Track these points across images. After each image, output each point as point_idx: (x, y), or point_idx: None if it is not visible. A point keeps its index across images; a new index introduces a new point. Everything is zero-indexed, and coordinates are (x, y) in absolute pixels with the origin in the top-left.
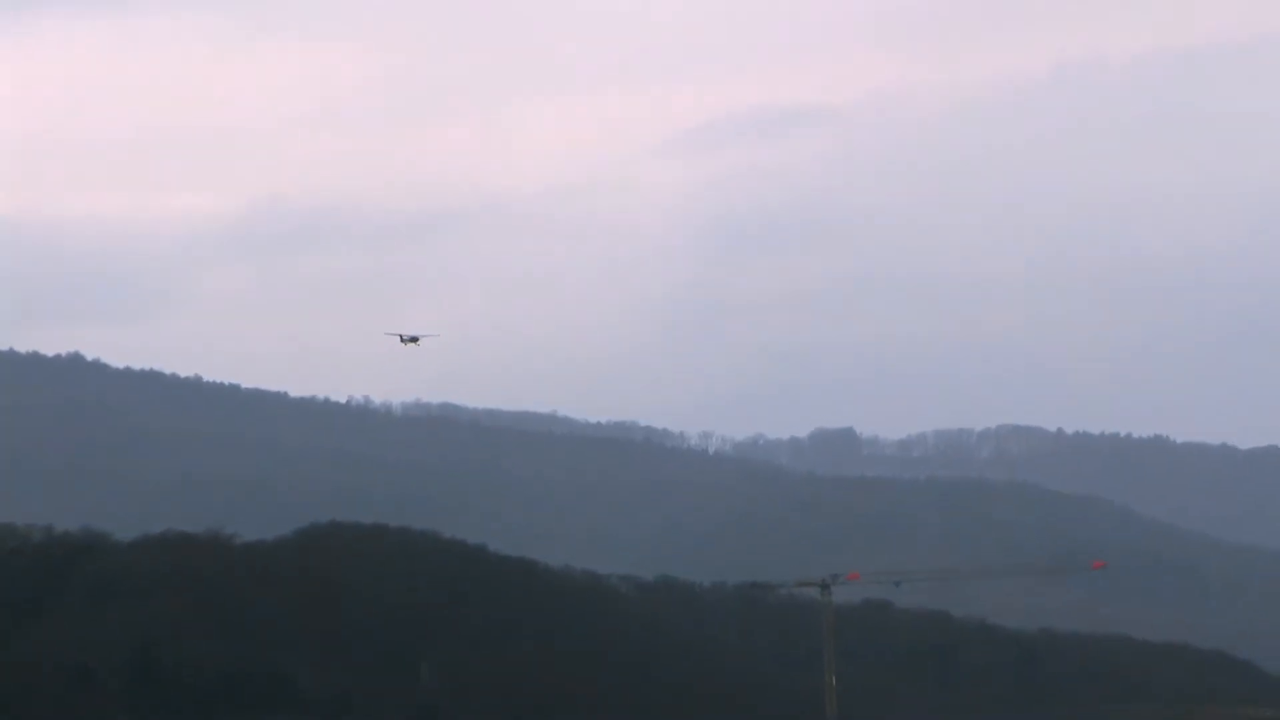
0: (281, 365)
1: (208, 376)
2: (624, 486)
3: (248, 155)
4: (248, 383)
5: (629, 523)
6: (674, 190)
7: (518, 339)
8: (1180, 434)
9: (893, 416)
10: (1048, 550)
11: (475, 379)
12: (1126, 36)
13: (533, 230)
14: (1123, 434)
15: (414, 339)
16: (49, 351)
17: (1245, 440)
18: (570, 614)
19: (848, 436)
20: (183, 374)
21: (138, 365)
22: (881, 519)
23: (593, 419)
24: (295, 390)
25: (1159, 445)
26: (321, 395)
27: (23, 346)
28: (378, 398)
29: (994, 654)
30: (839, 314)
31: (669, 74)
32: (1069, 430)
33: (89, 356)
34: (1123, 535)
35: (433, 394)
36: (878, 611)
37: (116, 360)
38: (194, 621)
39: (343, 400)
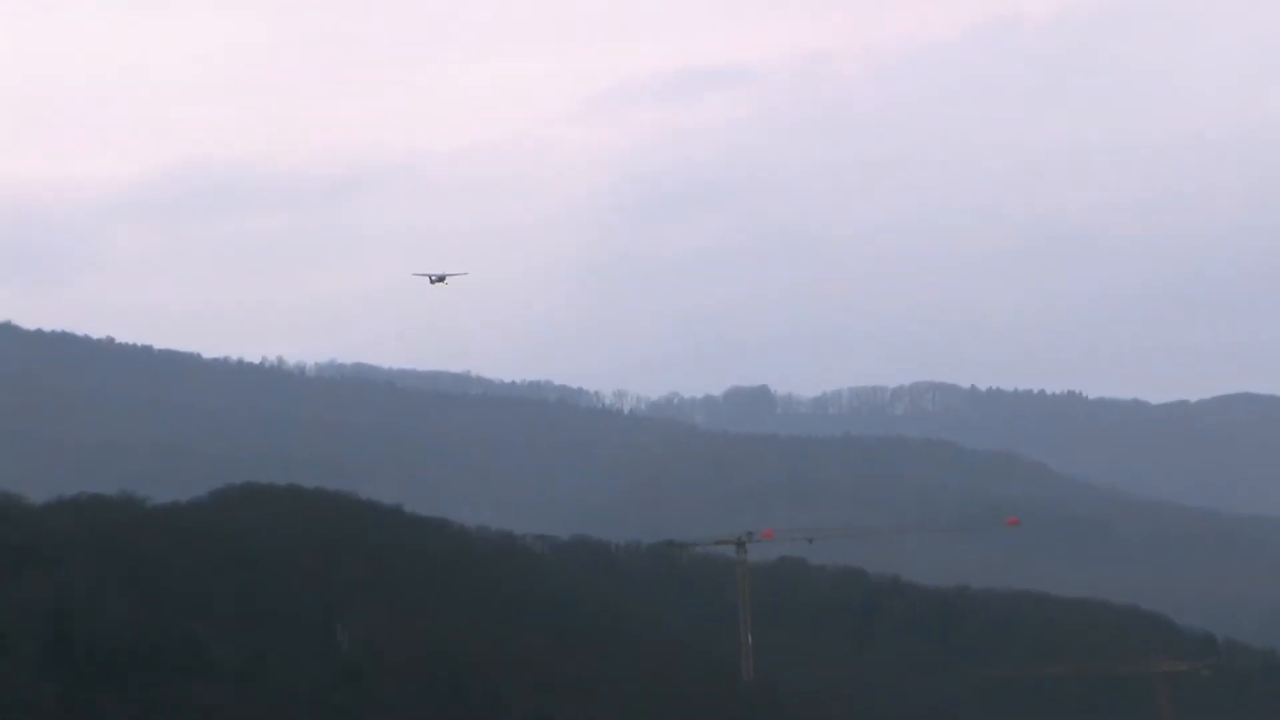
0: (195, 326)
1: (120, 338)
2: (539, 446)
3: (160, 117)
4: (160, 344)
5: (544, 482)
6: (590, 151)
7: (432, 299)
8: (1093, 390)
9: (807, 374)
10: (962, 507)
11: (390, 339)
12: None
13: (448, 191)
14: (1036, 390)
15: (441, 278)
16: None
17: (1157, 395)
18: (486, 574)
19: (762, 394)
20: (95, 335)
21: (49, 327)
22: (797, 477)
23: (508, 379)
24: (208, 351)
25: (1072, 401)
26: (235, 356)
27: None
28: (291, 358)
29: (910, 611)
30: (754, 273)
31: (586, 36)
32: (983, 387)
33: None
34: (1036, 491)
35: (347, 354)
36: (793, 569)
37: (28, 323)
38: (107, 585)
39: (256, 361)
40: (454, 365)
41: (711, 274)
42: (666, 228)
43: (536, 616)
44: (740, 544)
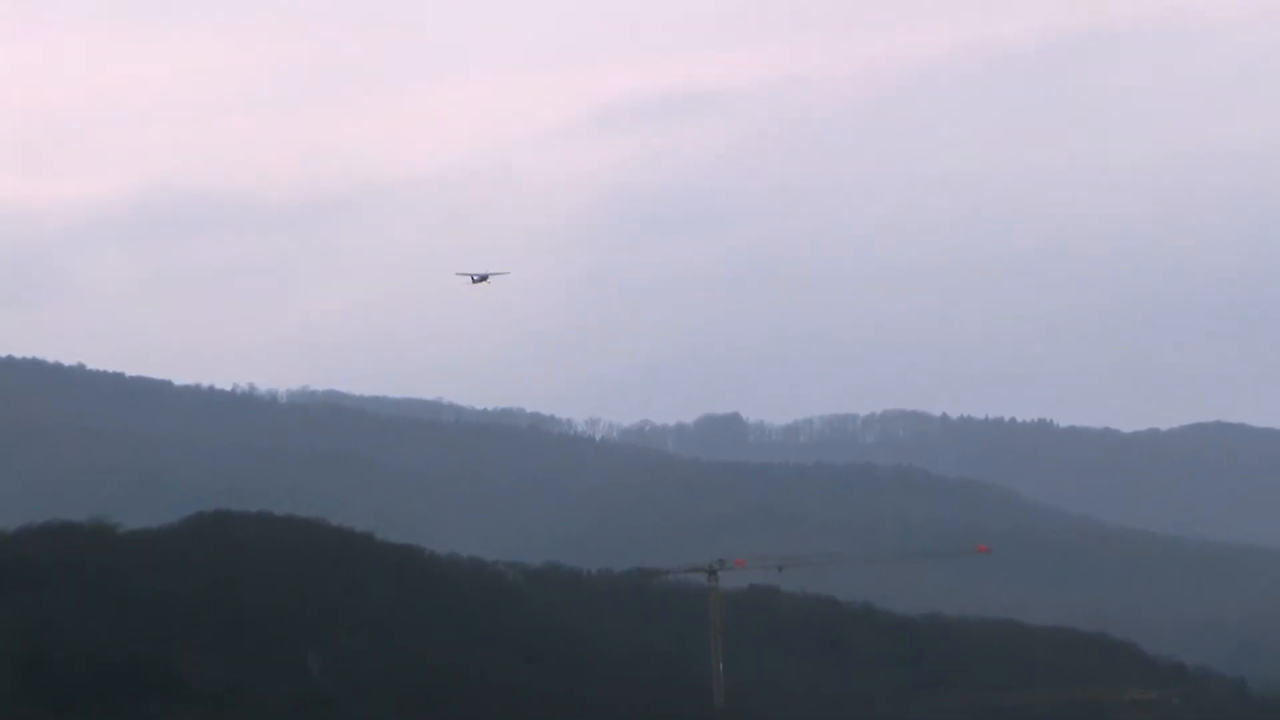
0: (166, 353)
1: (91, 365)
2: (511, 473)
3: (132, 141)
4: (132, 371)
5: (516, 510)
6: (564, 175)
7: (405, 325)
8: (1064, 418)
9: (779, 402)
10: (934, 535)
11: (362, 367)
12: (1019, 20)
13: (421, 216)
14: (1007, 418)
15: (484, 278)
16: None
17: (1128, 424)
18: (457, 601)
19: (734, 422)
20: (66, 362)
21: (19, 354)
22: (768, 504)
23: (479, 405)
24: (180, 378)
25: (1042, 429)
26: (207, 383)
27: None
28: (263, 385)
29: (881, 638)
30: (726, 299)
31: (560, 59)
32: (953, 415)
33: None
34: (1007, 519)
35: (319, 382)
36: (765, 597)
37: None
38: (80, 612)
39: (228, 388)
40: (426, 392)
41: (684, 300)
42: (639, 253)
43: (509, 643)
44: (712, 571)
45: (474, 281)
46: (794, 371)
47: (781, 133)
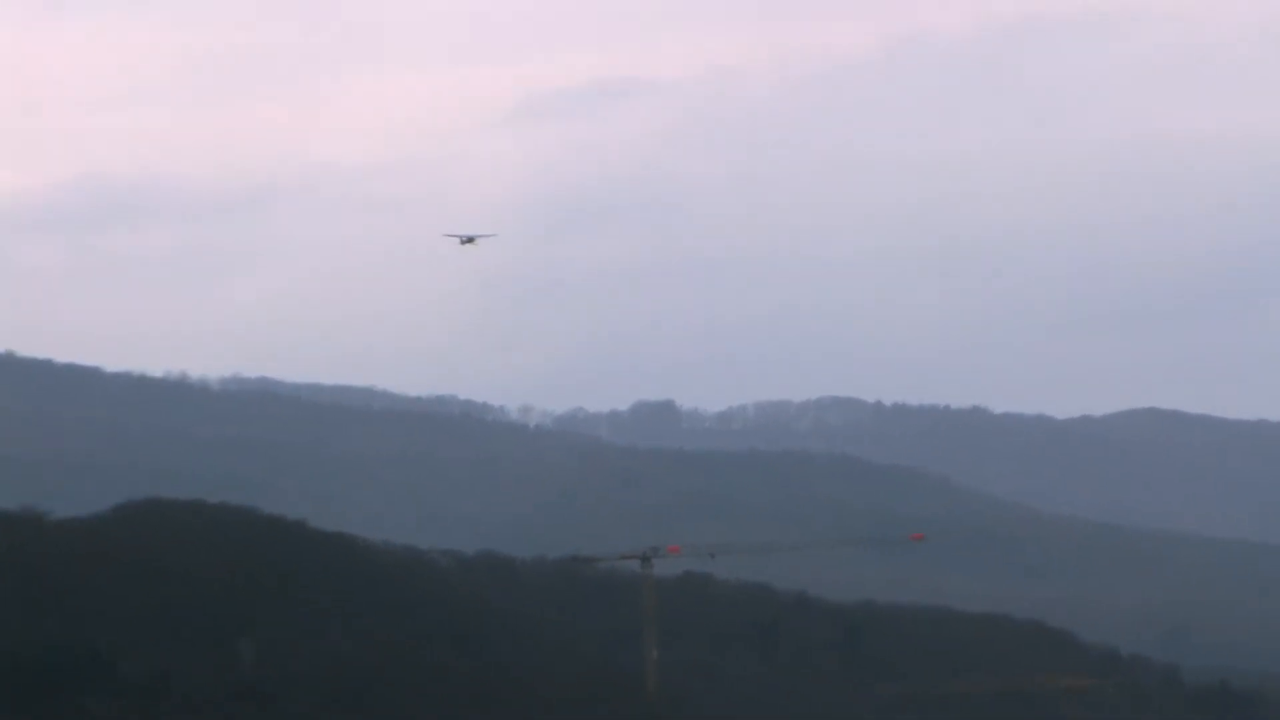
0: (97, 340)
1: (21, 352)
2: (444, 461)
3: (61, 130)
4: (62, 358)
5: (449, 498)
6: (498, 164)
7: (338, 313)
8: (998, 405)
9: (713, 389)
10: (868, 522)
11: (294, 354)
12: (953, 11)
13: (352, 205)
14: (941, 405)
15: (470, 239)
16: None
17: (1061, 410)
18: (390, 589)
19: (668, 409)
20: None
21: None
22: (702, 492)
23: (412, 393)
24: (110, 365)
25: (977, 416)
26: (138, 370)
27: None
28: (195, 373)
29: (816, 626)
30: (659, 287)
31: (496, 48)
32: (888, 402)
33: None
34: (941, 506)
35: (251, 369)
36: (699, 585)
37: None
38: (9, 601)
39: (159, 375)
40: (359, 379)
41: (618, 288)
42: (573, 242)
43: (442, 631)
44: (646, 559)
45: (462, 243)
46: (728, 358)
47: (714, 121)
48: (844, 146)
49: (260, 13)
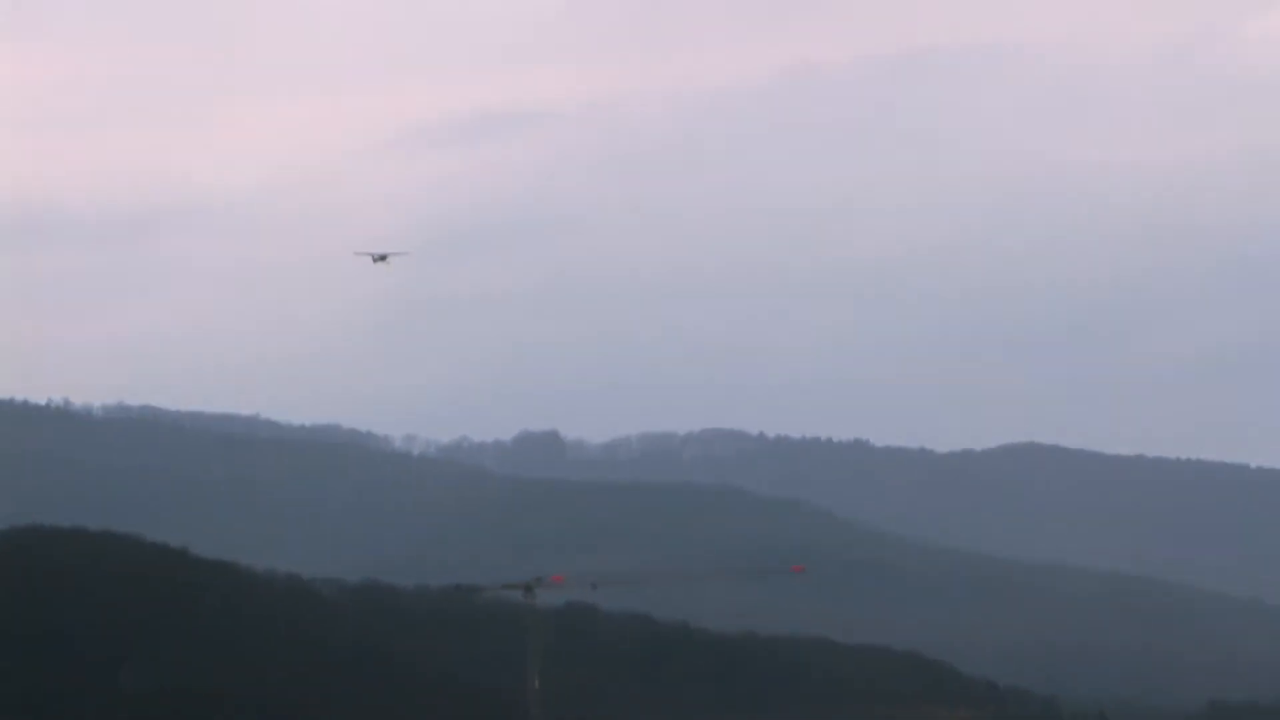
0: None
1: None
2: (329, 490)
3: None
4: None
5: (333, 526)
6: (383, 191)
7: (223, 341)
8: (880, 438)
9: (598, 419)
10: (750, 553)
11: (178, 381)
12: (840, 43)
13: (238, 231)
14: (823, 437)
15: (383, 257)
16: None
17: (943, 444)
18: (273, 617)
19: (552, 439)
20: None
21: None
22: (587, 522)
23: (297, 421)
24: None
25: (859, 449)
26: (20, 397)
27: None
28: (78, 400)
29: (697, 656)
30: (545, 316)
31: (384, 75)
32: (771, 434)
33: None
34: (823, 538)
35: (134, 396)
36: (582, 614)
37: None
38: None
39: (42, 402)
40: (243, 408)
41: (503, 317)
42: (458, 271)
43: (325, 661)
44: (529, 589)
45: (374, 260)
46: (613, 389)
47: (600, 151)
48: (730, 177)
49: (144, 39)
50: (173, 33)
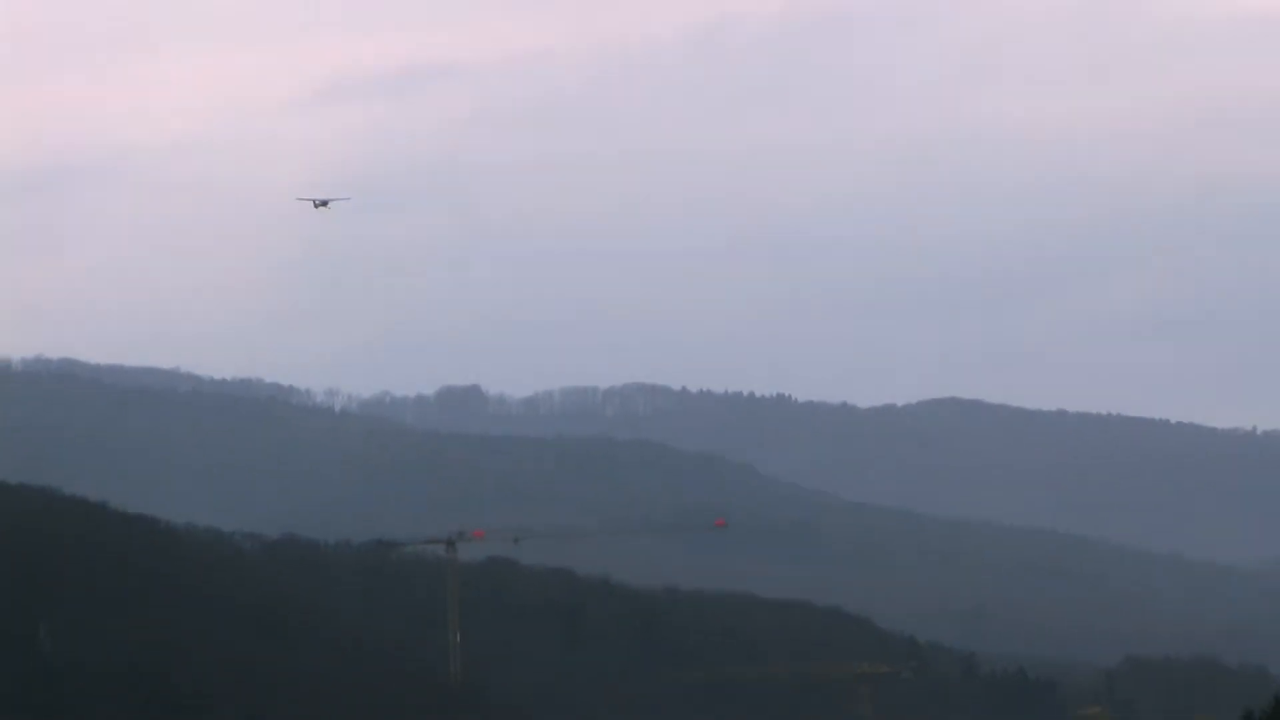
0: None
1: None
2: (249, 444)
3: None
4: None
5: (254, 481)
6: (303, 146)
7: (142, 294)
8: (801, 393)
9: (519, 374)
10: (672, 508)
11: (97, 335)
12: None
13: (157, 185)
14: (745, 393)
15: (324, 203)
16: None
17: (864, 399)
18: (193, 572)
19: (474, 394)
20: None
21: None
22: (508, 477)
23: (218, 375)
24: None
25: (781, 404)
26: None
27: None
28: None
29: (618, 611)
30: (465, 272)
31: (302, 30)
32: (693, 389)
33: None
34: (744, 494)
35: (53, 350)
36: (503, 569)
37: None
38: None
39: None
40: (163, 361)
41: (424, 272)
42: (379, 224)
43: (244, 615)
44: (450, 544)
45: (315, 206)
46: (534, 344)
47: (520, 106)
48: (651, 133)
49: None
50: None
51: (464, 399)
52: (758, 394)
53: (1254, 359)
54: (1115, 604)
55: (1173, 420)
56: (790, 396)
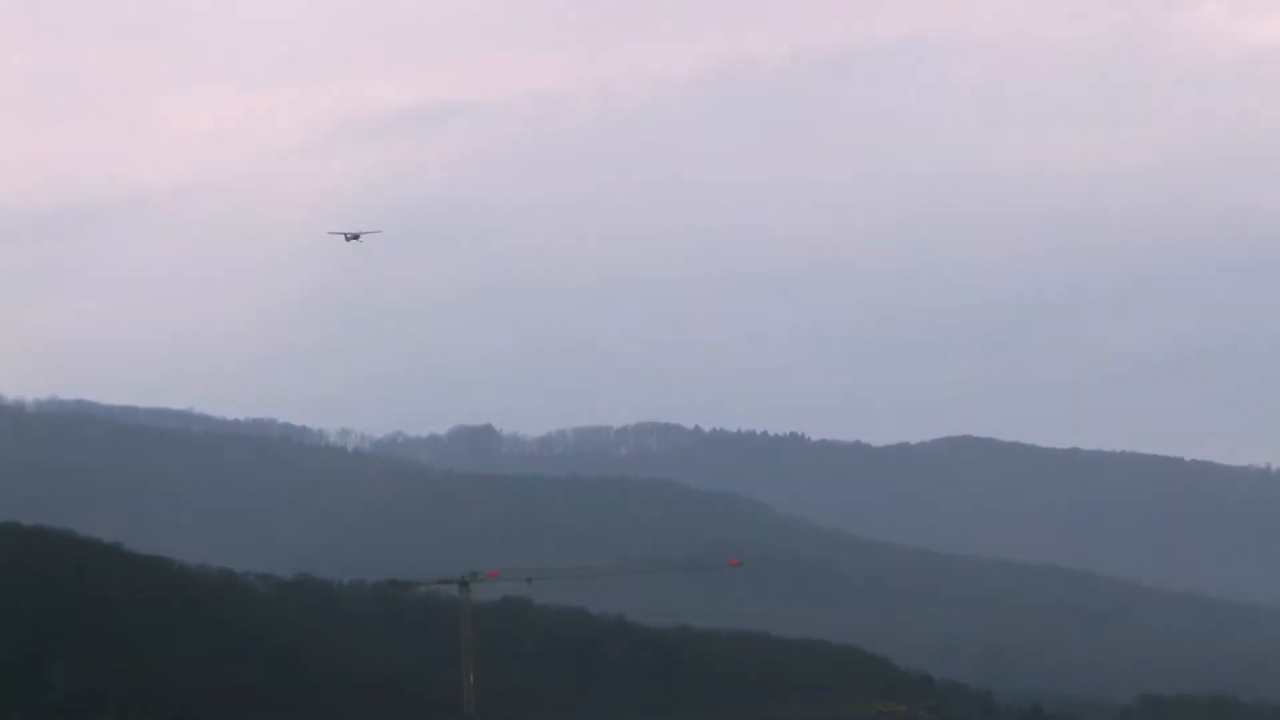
0: None
1: None
2: (263, 484)
3: None
4: None
5: (267, 521)
6: (317, 187)
7: (156, 336)
8: (815, 431)
9: (533, 414)
10: (686, 547)
11: (112, 376)
12: (773, 37)
13: (170, 227)
14: (759, 431)
15: (356, 236)
16: None
17: (878, 438)
18: (207, 613)
19: (488, 434)
20: None
21: None
22: (522, 516)
23: (230, 416)
24: None
25: (794, 442)
26: None
27: None
28: (10, 394)
29: (633, 651)
30: (480, 311)
31: (313, 71)
32: (706, 428)
33: None
34: (759, 532)
35: (67, 391)
36: (517, 609)
37: None
38: None
39: None
40: (177, 403)
41: (438, 312)
42: (394, 265)
43: (259, 655)
44: (464, 583)
45: (347, 239)
46: (548, 383)
47: (535, 146)
48: (665, 172)
49: (77, 32)
50: (101, 28)
51: (478, 439)
52: (771, 433)
53: (1268, 397)
54: (1131, 642)
55: (1187, 458)
56: (804, 435)
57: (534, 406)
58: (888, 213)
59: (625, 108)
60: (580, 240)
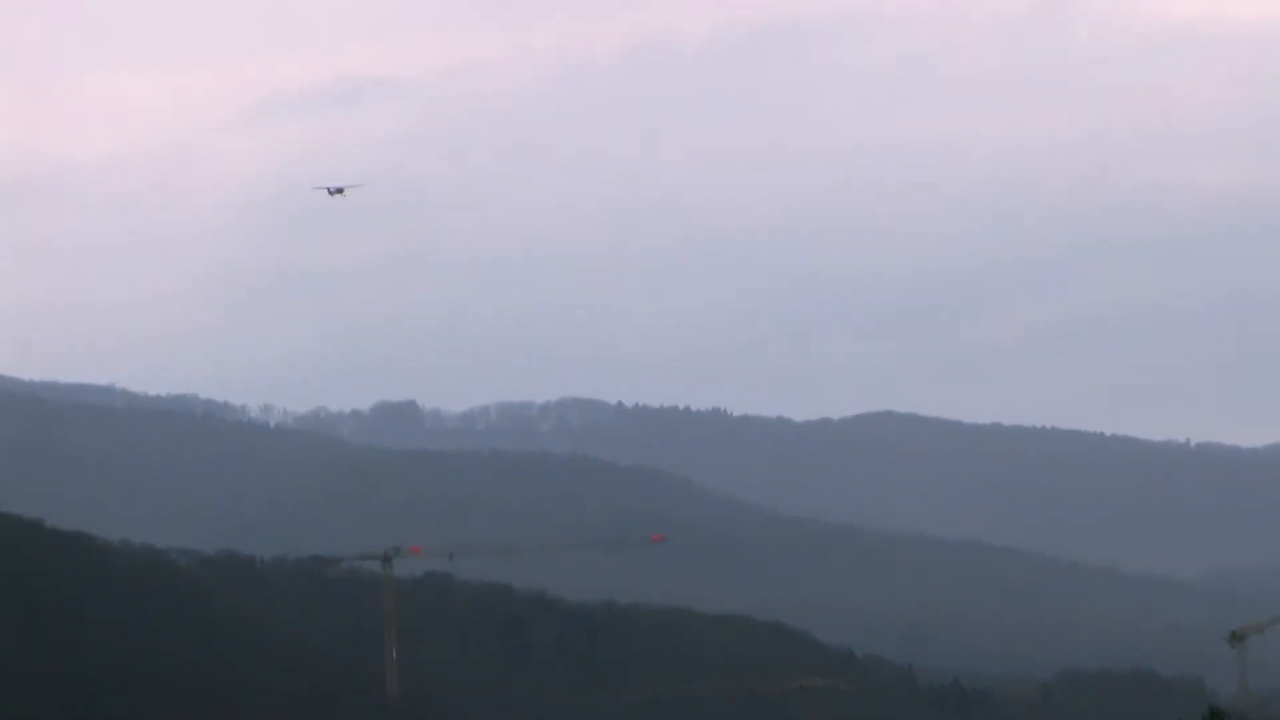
0: None
1: None
2: (185, 460)
3: None
4: None
5: (189, 497)
6: (238, 162)
7: (77, 311)
8: (737, 407)
9: (455, 389)
10: (609, 523)
11: (31, 351)
12: (692, 15)
13: (90, 202)
14: (682, 407)
15: (339, 190)
16: None
17: (800, 413)
18: (128, 589)
19: (410, 409)
20: None
21: None
22: (444, 492)
23: (152, 391)
24: None
25: (717, 418)
26: None
27: None
28: None
29: (557, 627)
30: (401, 286)
31: (238, 47)
32: (629, 403)
33: None
34: (682, 508)
35: None
36: (440, 585)
37: None
38: None
39: None
40: (98, 378)
41: (359, 287)
42: (314, 240)
43: (180, 632)
44: (387, 559)
45: (330, 194)
46: (470, 359)
47: (458, 121)
48: (586, 147)
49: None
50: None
51: (400, 414)
52: (693, 408)
53: (1188, 372)
54: (1052, 617)
55: (1107, 433)
56: (726, 410)
57: (457, 382)
58: (807, 187)
59: (547, 83)
60: (501, 216)
